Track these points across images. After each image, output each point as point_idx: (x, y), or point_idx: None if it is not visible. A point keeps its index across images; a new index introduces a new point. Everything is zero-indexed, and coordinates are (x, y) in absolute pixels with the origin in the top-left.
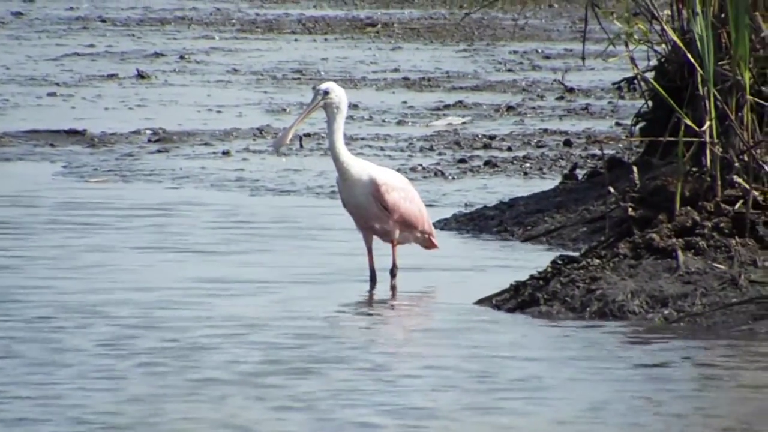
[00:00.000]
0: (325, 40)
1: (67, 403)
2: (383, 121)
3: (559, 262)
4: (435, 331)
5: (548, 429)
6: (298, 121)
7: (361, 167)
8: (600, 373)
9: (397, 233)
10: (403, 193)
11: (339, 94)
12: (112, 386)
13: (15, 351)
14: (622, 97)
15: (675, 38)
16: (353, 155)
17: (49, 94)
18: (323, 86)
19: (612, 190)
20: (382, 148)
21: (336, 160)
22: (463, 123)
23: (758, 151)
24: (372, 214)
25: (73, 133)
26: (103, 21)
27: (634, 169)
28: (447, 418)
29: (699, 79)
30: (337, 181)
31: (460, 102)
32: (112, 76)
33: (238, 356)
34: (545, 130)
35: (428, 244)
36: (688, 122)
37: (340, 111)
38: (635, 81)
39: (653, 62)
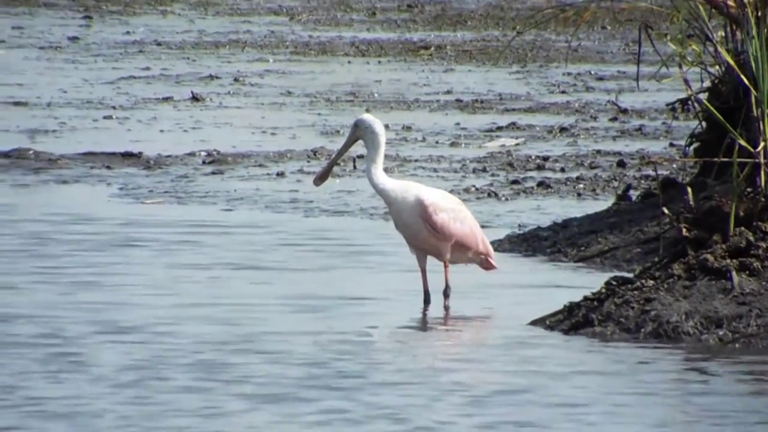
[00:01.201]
0: (379, 62)
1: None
2: (436, 142)
3: (613, 283)
4: (487, 352)
5: None
6: (335, 157)
7: (405, 189)
8: (654, 394)
9: (448, 254)
10: (453, 214)
11: (370, 124)
12: (163, 399)
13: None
14: (676, 118)
15: (729, 59)
16: (396, 178)
17: (105, 117)
18: (356, 119)
19: (666, 211)
20: (435, 170)
21: (374, 187)
22: (517, 144)
23: None
24: (421, 235)
25: (128, 156)
26: (159, 44)
27: (689, 189)
28: None
29: (753, 100)
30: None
31: (513, 123)
32: (167, 99)
33: (286, 372)
34: (599, 151)
35: (486, 264)
36: (743, 143)
37: (373, 141)
38: (689, 102)
39: (707, 83)
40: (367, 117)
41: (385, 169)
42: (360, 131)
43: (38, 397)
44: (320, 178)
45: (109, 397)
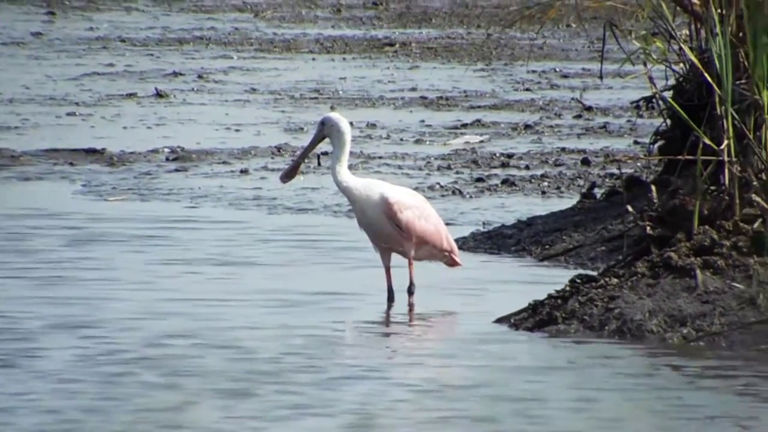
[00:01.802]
0: (343, 59)
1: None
2: (401, 139)
3: (578, 281)
4: (451, 349)
5: None
6: (302, 155)
7: (369, 187)
8: (612, 390)
9: (412, 251)
10: (417, 211)
11: (336, 122)
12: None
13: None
14: (641, 116)
15: (693, 58)
16: (362, 177)
17: (69, 114)
18: (322, 117)
19: (630, 209)
20: (399, 167)
21: (338, 185)
22: (481, 142)
23: None
24: (386, 232)
25: (92, 152)
26: (122, 41)
27: (653, 188)
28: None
29: (717, 98)
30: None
31: (478, 121)
32: (131, 96)
33: (248, 370)
34: (563, 149)
35: (451, 261)
36: (707, 141)
37: (339, 139)
38: (653, 100)
39: (671, 81)
40: (334, 115)
41: (350, 167)
42: (326, 129)
43: None
44: (287, 176)
45: (53, 392)
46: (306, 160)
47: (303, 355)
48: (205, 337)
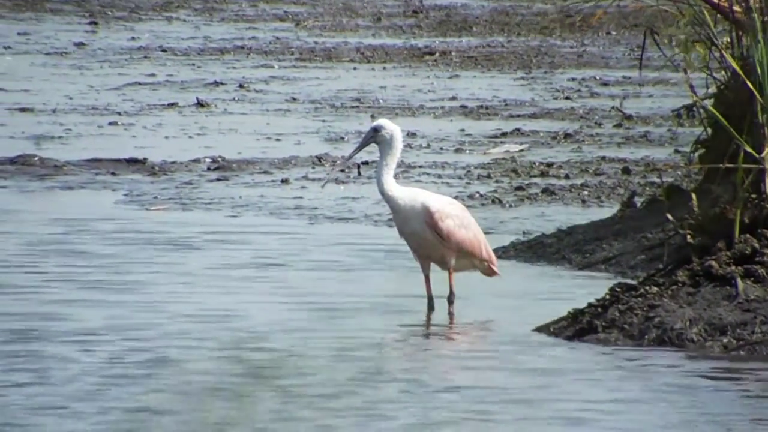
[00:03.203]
0: (384, 68)
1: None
2: (441, 148)
3: (618, 289)
4: (491, 359)
5: None
6: (348, 158)
7: (412, 197)
8: (651, 399)
9: (453, 261)
10: (458, 220)
11: (391, 130)
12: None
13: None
14: (681, 125)
15: (734, 65)
16: (403, 186)
17: (111, 123)
18: (375, 123)
19: (671, 217)
20: (439, 176)
21: (382, 194)
22: (521, 150)
23: None
24: (427, 241)
25: (133, 162)
26: (164, 51)
27: (693, 196)
28: None
29: (759, 106)
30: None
31: (518, 130)
32: (172, 105)
33: (293, 380)
34: (603, 158)
35: (489, 271)
36: (748, 149)
37: (391, 147)
38: (694, 108)
39: (712, 89)
40: (388, 123)
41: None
42: (379, 136)
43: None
44: (329, 179)
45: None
46: (346, 170)
47: (346, 367)
48: (253, 341)
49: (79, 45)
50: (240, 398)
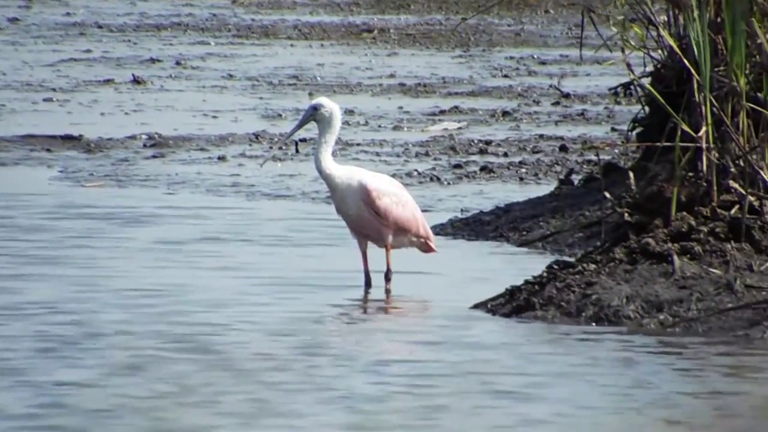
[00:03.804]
0: (321, 45)
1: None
2: (379, 126)
3: (555, 267)
4: (427, 335)
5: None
6: (287, 137)
7: (349, 175)
8: (580, 374)
9: (390, 238)
10: (395, 198)
11: (329, 109)
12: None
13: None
14: (619, 103)
15: (672, 44)
16: (341, 164)
17: (45, 100)
18: (314, 101)
19: (608, 195)
20: (377, 154)
21: (319, 172)
22: (459, 128)
23: (754, 156)
24: (364, 219)
25: (69, 139)
26: (100, 27)
27: (631, 174)
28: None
29: (695, 85)
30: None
31: (456, 107)
32: (108, 82)
33: (228, 353)
34: (541, 136)
35: (426, 248)
36: (685, 128)
37: (330, 126)
38: (632, 86)
39: (650, 68)
40: (327, 101)
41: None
42: (318, 115)
43: None
44: (267, 159)
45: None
46: (284, 147)
47: (282, 341)
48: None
49: (13, 20)
50: (174, 371)
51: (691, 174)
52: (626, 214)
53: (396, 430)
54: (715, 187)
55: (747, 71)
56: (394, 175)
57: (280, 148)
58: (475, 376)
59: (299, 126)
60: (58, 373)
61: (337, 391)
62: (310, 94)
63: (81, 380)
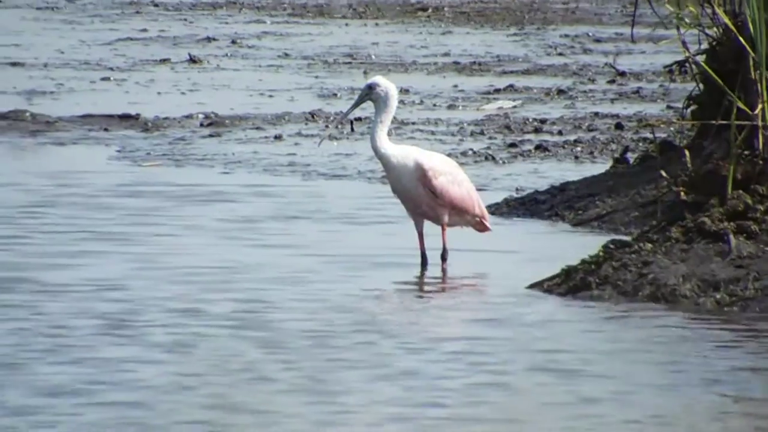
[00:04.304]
0: (376, 24)
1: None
2: (434, 105)
3: (611, 246)
4: (483, 313)
5: (579, 407)
6: (343, 116)
7: (405, 154)
8: (643, 351)
9: (446, 217)
10: (451, 177)
11: (386, 88)
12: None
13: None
14: (674, 81)
15: (727, 21)
16: (396, 143)
17: (103, 79)
18: (370, 80)
19: (664, 174)
20: (432, 133)
21: (375, 151)
22: (514, 107)
23: None
24: (420, 199)
25: (126, 118)
26: (156, 5)
27: (686, 152)
28: (472, 395)
29: (751, 62)
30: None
31: (511, 86)
32: (164, 61)
33: (290, 332)
34: (596, 114)
35: (480, 227)
36: (741, 105)
37: (386, 105)
38: (686, 64)
39: (704, 45)
40: (383, 80)
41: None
42: (374, 94)
43: None
44: (324, 137)
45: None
46: (340, 126)
47: (342, 319)
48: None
49: (70, 0)
50: (233, 348)
51: (746, 152)
52: (682, 193)
53: (452, 408)
54: None
55: None
56: (449, 155)
57: (336, 127)
58: (530, 354)
59: (355, 105)
60: (116, 350)
61: (392, 368)
62: (365, 73)
63: (140, 357)
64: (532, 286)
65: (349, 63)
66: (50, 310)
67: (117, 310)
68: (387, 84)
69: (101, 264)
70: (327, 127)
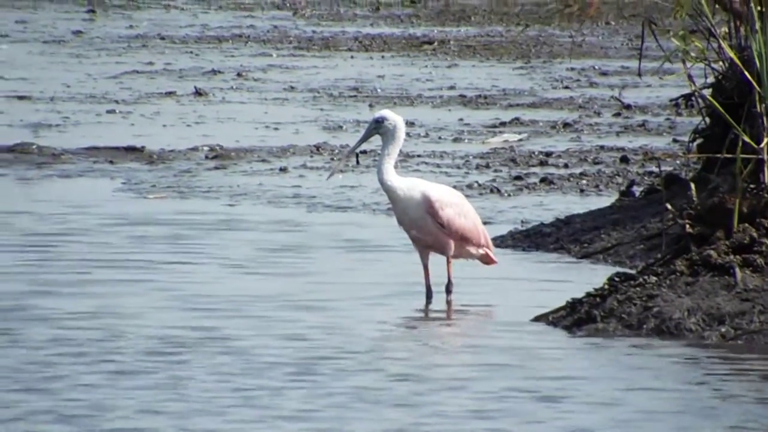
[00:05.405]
0: (382, 57)
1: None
2: (439, 138)
3: (616, 279)
4: (488, 347)
5: None
6: (351, 150)
7: (411, 186)
8: (646, 389)
9: (452, 249)
10: (458, 209)
11: (393, 122)
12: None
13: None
14: (680, 114)
15: (732, 55)
16: (402, 176)
17: (109, 112)
18: (378, 114)
19: (669, 207)
20: (438, 165)
21: (382, 184)
22: (520, 140)
23: None
24: (427, 230)
25: (131, 150)
26: (162, 39)
27: (692, 185)
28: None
29: (757, 96)
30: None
31: (517, 119)
32: (170, 94)
33: (290, 364)
34: (602, 147)
35: (486, 259)
36: (746, 139)
37: (393, 138)
38: (693, 98)
39: (710, 79)
40: (390, 114)
41: None
42: (382, 128)
43: None
44: (333, 172)
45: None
46: (346, 159)
47: (343, 353)
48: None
49: (77, 33)
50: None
51: (752, 185)
52: (687, 226)
53: None
54: None
55: None
56: (455, 187)
57: (346, 164)
58: (534, 383)
59: (363, 139)
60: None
61: (389, 397)
62: (371, 106)
63: (160, 383)
64: (537, 319)
65: (355, 96)
66: (45, 337)
67: (102, 336)
68: (395, 118)
69: (108, 292)
70: (332, 159)
